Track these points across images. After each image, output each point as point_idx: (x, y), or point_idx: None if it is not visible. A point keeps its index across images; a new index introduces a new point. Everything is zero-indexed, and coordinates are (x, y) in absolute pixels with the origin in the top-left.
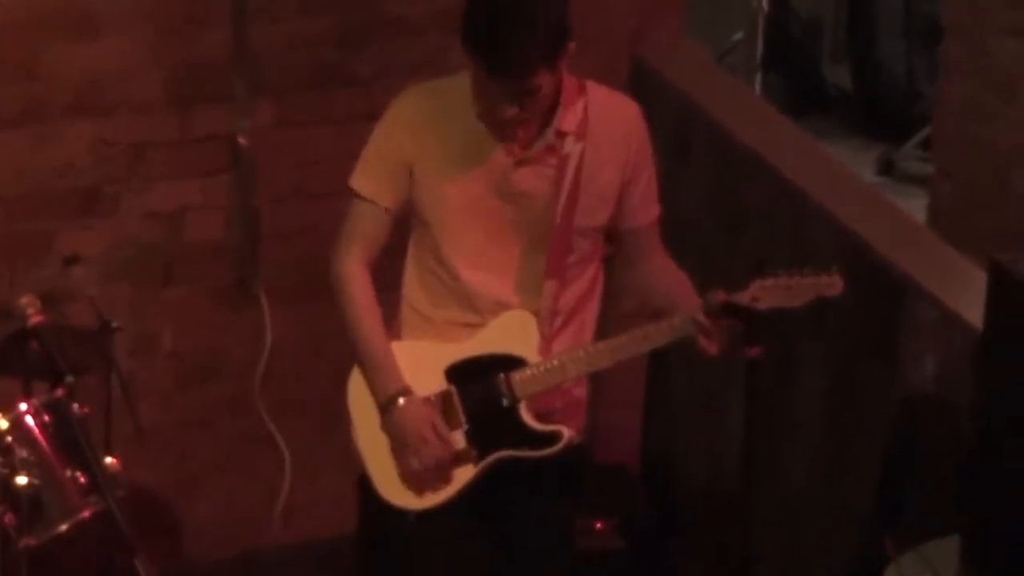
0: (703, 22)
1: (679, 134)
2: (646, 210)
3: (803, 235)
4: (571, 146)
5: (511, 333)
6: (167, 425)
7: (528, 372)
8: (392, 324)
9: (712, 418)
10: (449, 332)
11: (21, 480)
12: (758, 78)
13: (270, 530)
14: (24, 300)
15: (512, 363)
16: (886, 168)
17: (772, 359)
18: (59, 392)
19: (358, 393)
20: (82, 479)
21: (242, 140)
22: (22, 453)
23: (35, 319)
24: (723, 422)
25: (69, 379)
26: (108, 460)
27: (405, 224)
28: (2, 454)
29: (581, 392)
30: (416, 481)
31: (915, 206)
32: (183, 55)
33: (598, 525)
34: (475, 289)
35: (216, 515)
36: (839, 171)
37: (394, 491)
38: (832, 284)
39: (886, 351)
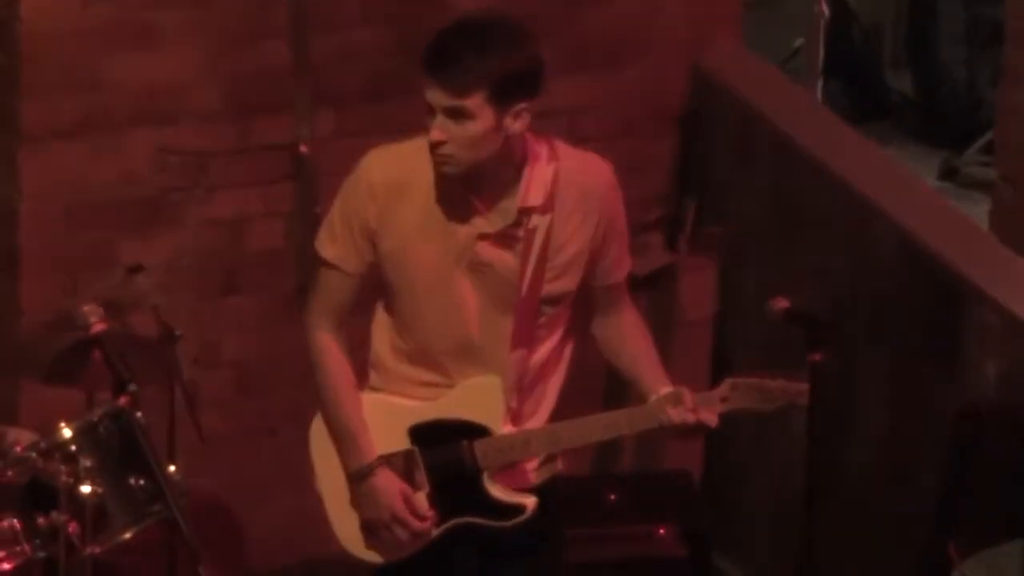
0: (764, 29)
1: (740, 141)
2: (618, 269)
3: (864, 240)
4: (537, 219)
5: (477, 399)
6: (229, 433)
7: (493, 443)
8: (359, 375)
9: (774, 426)
10: (415, 391)
11: (85, 489)
12: (819, 84)
13: (329, 537)
14: (87, 308)
15: (477, 431)
16: (948, 173)
17: (833, 365)
18: (122, 401)
19: (321, 443)
20: (146, 487)
21: (304, 149)
22: (86, 462)
23: (98, 328)
24: (785, 430)
25: (132, 388)
26: (171, 468)
27: (373, 281)
28: (66, 463)
29: (532, 464)
30: (377, 539)
31: (978, 211)
32: (243, 65)
33: (660, 531)
34: (441, 353)
35: (278, 523)
36: (900, 176)
37: (354, 543)
38: (801, 392)
39: (947, 356)
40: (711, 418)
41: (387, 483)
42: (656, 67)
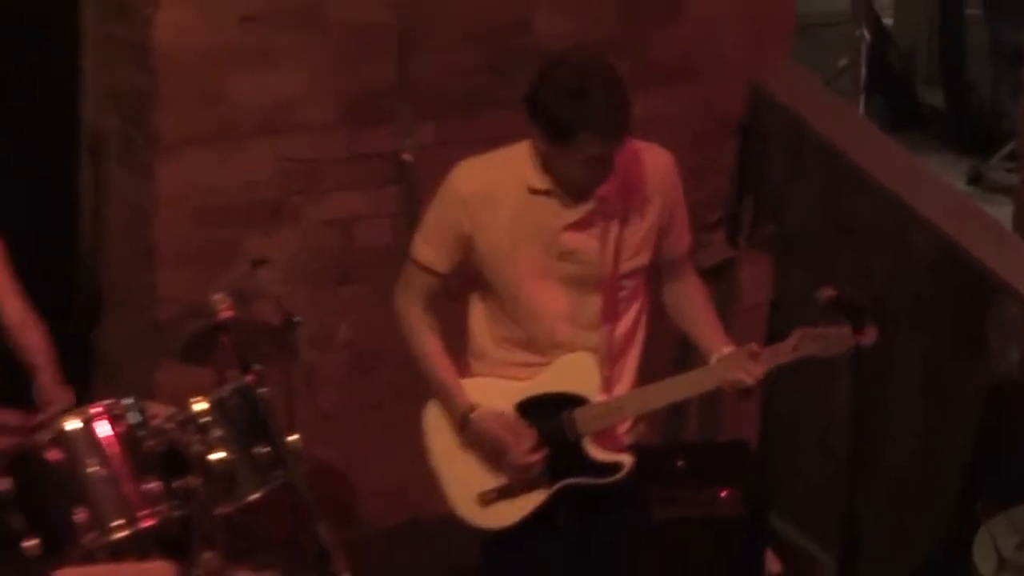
0: (812, 51)
1: (791, 149)
2: (681, 243)
3: (901, 239)
4: (612, 206)
5: (573, 373)
6: (343, 408)
7: (590, 411)
8: (459, 364)
9: (822, 402)
10: (516, 372)
11: (216, 456)
12: (862, 100)
13: (434, 498)
14: (216, 298)
15: (575, 401)
16: (975, 179)
17: (875, 348)
18: (249, 379)
19: (433, 422)
20: (269, 455)
21: (406, 157)
22: (217, 432)
23: (226, 314)
24: (832, 406)
25: (257, 367)
26: (292, 438)
27: (468, 276)
28: (199, 433)
29: (624, 427)
30: (493, 499)
31: (1002, 213)
32: (352, 83)
33: (722, 494)
34: (538, 336)
35: (386, 486)
36: (934, 182)
37: (470, 510)
38: (866, 335)
39: (976, 342)
40: (758, 374)
41: (488, 418)
42: (717, 84)
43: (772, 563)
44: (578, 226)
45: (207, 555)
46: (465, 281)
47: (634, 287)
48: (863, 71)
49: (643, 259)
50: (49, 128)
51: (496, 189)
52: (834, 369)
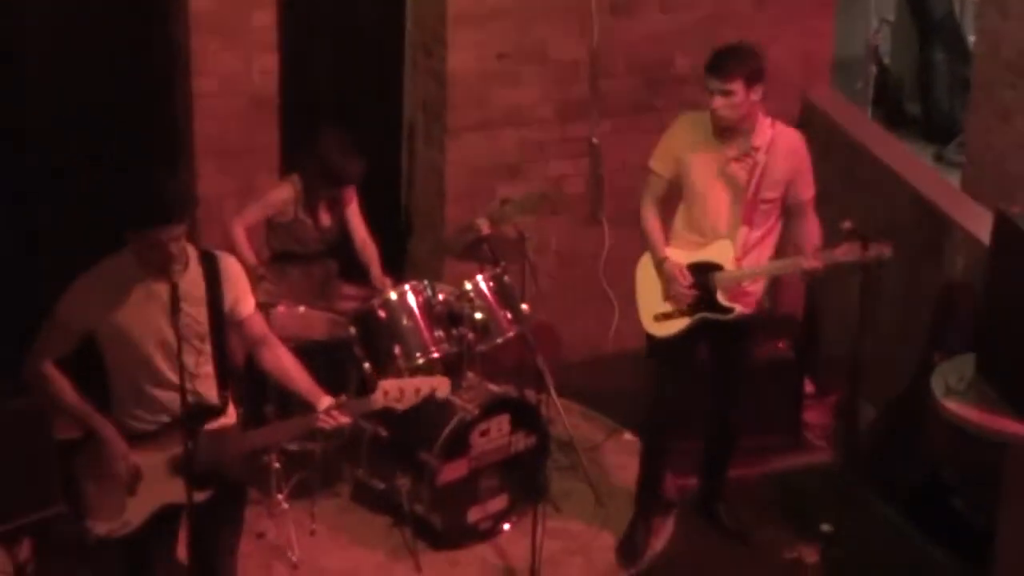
0: (841, 78)
1: (825, 139)
2: (803, 192)
3: (894, 194)
4: (760, 155)
5: (720, 250)
6: (553, 289)
7: (725, 274)
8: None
9: (842, 292)
10: (690, 246)
11: (477, 315)
12: (869, 109)
13: (606, 343)
14: (479, 221)
15: (717, 267)
16: (938, 158)
17: (875, 260)
18: (497, 269)
19: (643, 264)
20: (510, 316)
21: (594, 140)
22: (479, 302)
23: (485, 231)
24: (847, 295)
25: (503, 263)
26: (523, 306)
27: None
28: (469, 302)
29: (754, 289)
30: (662, 319)
31: (954, 179)
32: (563, 94)
33: (780, 344)
34: (706, 225)
35: (579, 336)
36: (914, 159)
37: (649, 323)
38: (885, 249)
39: (935, 255)
40: (816, 264)
41: (672, 265)
42: (782, 98)
43: (809, 386)
44: (738, 160)
45: (470, 375)
46: (674, 190)
47: (767, 210)
48: (870, 91)
49: (775, 194)
50: (384, 121)
51: (701, 132)
52: (850, 271)
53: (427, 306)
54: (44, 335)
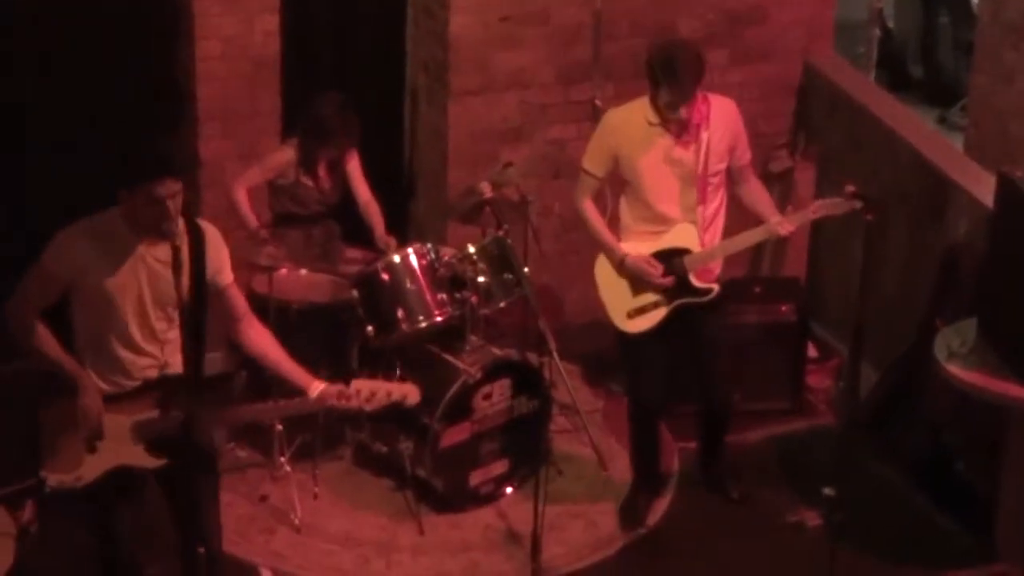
0: (843, 42)
1: (829, 102)
2: (743, 156)
3: (896, 156)
4: (702, 132)
5: (683, 235)
6: (555, 253)
7: (694, 257)
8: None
9: (846, 255)
10: (647, 236)
11: (481, 279)
12: (873, 72)
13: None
14: (481, 185)
15: (684, 252)
16: (941, 121)
17: (878, 222)
18: (501, 233)
19: (601, 267)
20: (512, 279)
21: (597, 103)
22: (481, 265)
23: (487, 194)
24: (850, 259)
25: (506, 227)
26: (525, 269)
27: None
28: (470, 265)
29: (716, 267)
30: (635, 315)
31: (957, 142)
32: (565, 57)
33: (783, 308)
34: (660, 213)
35: (579, 300)
36: (917, 122)
37: (621, 321)
38: (858, 201)
39: (938, 217)
40: (791, 228)
41: (637, 259)
42: (785, 62)
43: (811, 350)
44: (681, 143)
45: (473, 338)
46: (615, 183)
47: (716, 183)
48: (874, 54)
49: (721, 165)
50: (386, 83)
51: (631, 121)
52: (852, 233)
53: (430, 269)
54: (28, 282)
